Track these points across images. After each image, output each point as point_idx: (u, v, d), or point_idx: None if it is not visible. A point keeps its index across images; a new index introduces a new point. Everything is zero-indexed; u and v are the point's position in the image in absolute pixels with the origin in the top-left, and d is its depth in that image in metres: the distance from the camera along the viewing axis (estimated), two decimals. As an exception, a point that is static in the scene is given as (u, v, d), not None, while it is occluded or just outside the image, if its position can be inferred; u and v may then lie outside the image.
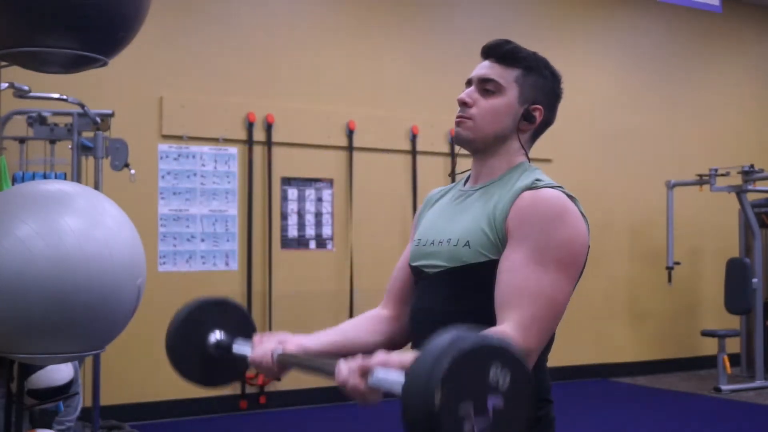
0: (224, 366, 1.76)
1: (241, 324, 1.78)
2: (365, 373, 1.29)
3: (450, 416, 1.07)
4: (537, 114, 1.62)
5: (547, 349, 1.59)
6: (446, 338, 1.12)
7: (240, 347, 1.69)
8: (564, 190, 1.53)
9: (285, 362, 1.58)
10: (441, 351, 1.10)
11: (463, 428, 1.08)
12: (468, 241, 1.53)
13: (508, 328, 1.41)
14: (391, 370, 1.27)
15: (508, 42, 1.63)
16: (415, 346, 1.66)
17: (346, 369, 1.32)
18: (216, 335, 1.74)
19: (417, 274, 1.66)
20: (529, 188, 1.51)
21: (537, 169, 1.60)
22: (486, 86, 1.60)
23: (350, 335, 1.69)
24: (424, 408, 1.07)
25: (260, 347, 1.61)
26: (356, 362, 1.31)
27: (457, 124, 1.62)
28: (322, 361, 1.50)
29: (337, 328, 1.71)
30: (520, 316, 1.41)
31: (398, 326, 1.72)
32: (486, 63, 1.64)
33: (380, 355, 1.31)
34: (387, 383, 1.26)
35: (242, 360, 1.66)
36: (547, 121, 1.66)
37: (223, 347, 1.72)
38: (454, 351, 1.10)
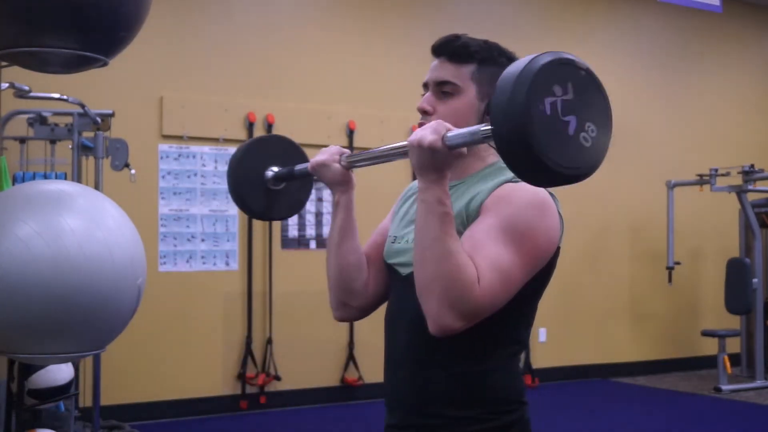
0: (284, 197, 1.85)
1: (296, 156, 1.85)
2: (443, 127, 1.37)
3: (541, 87, 1.17)
4: None
5: (519, 351, 1.57)
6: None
7: (301, 167, 1.76)
8: (546, 189, 1.51)
9: (353, 160, 1.63)
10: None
11: (547, 94, 1.17)
12: None
13: (479, 278, 1.36)
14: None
15: (457, 37, 1.57)
16: (387, 347, 1.63)
17: (424, 128, 1.39)
18: (272, 170, 1.81)
19: (391, 273, 1.63)
20: (511, 181, 1.48)
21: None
22: (443, 89, 1.56)
23: (357, 243, 1.69)
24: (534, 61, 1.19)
25: (326, 152, 1.64)
26: (432, 124, 1.38)
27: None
28: (390, 147, 1.55)
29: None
30: (480, 268, 1.36)
31: (368, 285, 1.70)
32: (437, 63, 1.59)
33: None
34: (464, 132, 1.35)
35: (306, 175, 1.75)
36: None
37: (282, 177, 1.80)
38: (598, 81, 1.25)
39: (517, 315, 1.50)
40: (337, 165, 1.64)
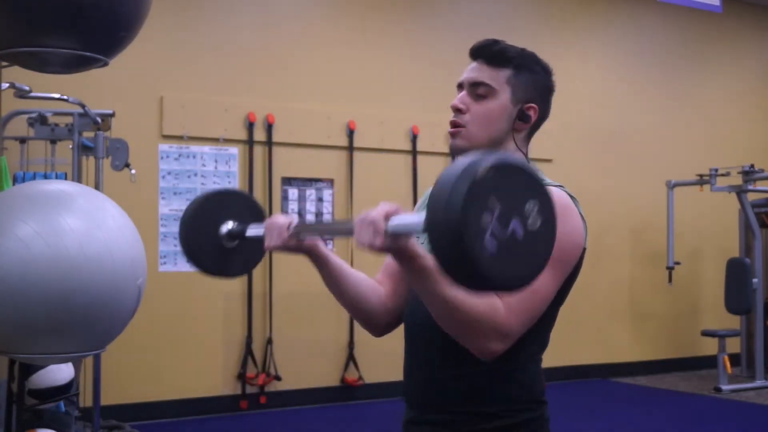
0: (239, 255, 1.77)
1: (254, 214, 1.78)
2: (389, 216, 1.26)
3: (482, 194, 1.08)
4: (532, 112, 1.60)
5: (540, 351, 1.59)
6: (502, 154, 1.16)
7: (254, 230, 1.69)
8: (566, 190, 1.53)
9: (302, 231, 1.56)
10: (489, 155, 1.12)
11: (483, 217, 1.08)
12: None
13: (499, 302, 1.40)
14: (409, 215, 1.26)
15: (496, 42, 1.60)
16: (407, 352, 1.64)
17: (363, 218, 1.27)
18: (228, 225, 1.74)
19: None
20: None
21: (538, 170, 1.59)
22: (477, 90, 1.58)
23: (358, 277, 1.68)
24: (466, 173, 1.08)
25: (276, 222, 1.58)
26: (374, 211, 1.27)
27: (452, 134, 1.59)
28: (337, 223, 1.51)
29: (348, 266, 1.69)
30: (504, 300, 1.40)
31: (392, 304, 1.69)
32: (475, 65, 1.61)
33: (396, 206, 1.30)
34: (406, 223, 1.24)
35: (258, 242, 1.66)
36: (543, 117, 1.63)
37: (235, 235, 1.73)
38: (515, 160, 1.14)
39: (543, 317, 1.51)
40: (290, 244, 1.59)
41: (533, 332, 1.52)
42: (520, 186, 1.13)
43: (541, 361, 1.61)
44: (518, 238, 1.11)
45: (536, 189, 1.14)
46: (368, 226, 1.26)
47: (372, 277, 1.75)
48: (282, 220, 1.57)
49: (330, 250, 1.64)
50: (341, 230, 1.45)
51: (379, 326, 1.71)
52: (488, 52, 1.59)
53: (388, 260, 1.75)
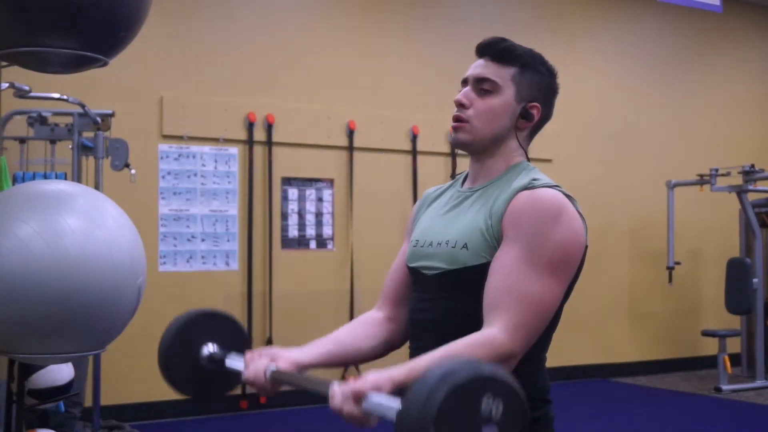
0: (218, 379, 1.71)
1: (235, 337, 1.74)
2: (359, 398, 1.28)
3: None
4: (535, 111, 1.60)
5: (544, 350, 1.59)
6: (438, 372, 1.13)
7: (233, 362, 1.64)
8: (561, 190, 1.52)
9: (278, 380, 1.54)
10: (433, 387, 1.10)
11: None
12: (466, 244, 1.52)
13: (495, 330, 1.41)
14: (384, 395, 1.26)
15: (503, 40, 1.61)
16: (413, 348, 1.65)
17: (340, 394, 1.31)
18: (209, 348, 1.68)
19: (415, 275, 1.65)
20: (526, 188, 1.50)
21: (535, 168, 1.59)
22: (482, 86, 1.59)
23: (346, 342, 1.68)
24: None
25: (253, 365, 1.55)
26: (349, 387, 1.30)
27: (455, 128, 1.60)
28: (315, 381, 1.48)
29: (331, 336, 1.69)
30: (507, 320, 1.41)
31: (394, 327, 1.71)
32: (481, 62, 1.62)
33: (372, 377, 1.30)
34: (382, 409, 1.25)
35: (236, 375, 1.62)
36: (545, 117, 1.64)
37: (216, 361, 1.67)
38: (447, 387, 1.10)
39: None
40: (261, 381, 1.56)
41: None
42: (467, 399, 1.11)
43: (546, 360, 1.61)
44: None
45: (481, 382, 1.13)
46: (348, 418, 1.30)
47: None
48: (259, 370, 1.54)
49: (306, 349, 1.64)
50: (317, 390, 1.44)
51: (390, 350, 1.73)
52: (495, 50, 1.60)
53: (387, 283, 1.76)
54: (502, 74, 1.58)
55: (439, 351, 1.38)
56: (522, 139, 1.62)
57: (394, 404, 1.20)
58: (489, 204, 1.54)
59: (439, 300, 1.53)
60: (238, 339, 1.74)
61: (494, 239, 1.50)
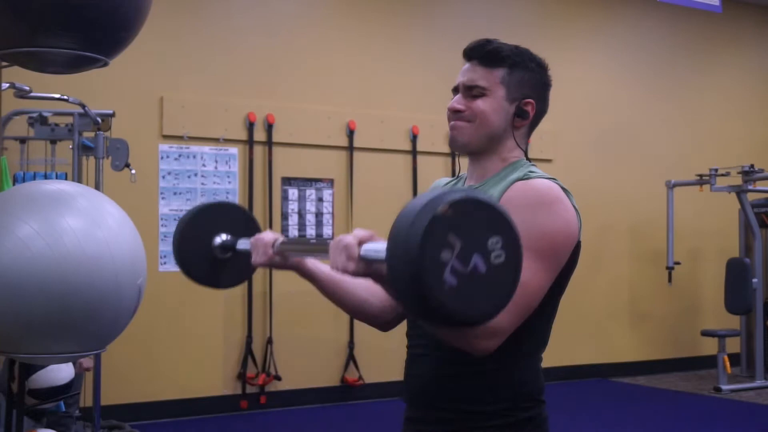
0: (232, 267, 1.79)
1: (248, 226, 1.80)
2: (363, 242, 1.30)
3: (440, 232, 1.08)
4: (529, 109, 1.61)
5: (540, 349, 1.58)
6: (464, 189, 1.14)
7: (244, 244, 1.72)
8: (558, 183, 1.52)
9: (285, 250, 1.59)
10: (467, 189, 1.12)
11: (442, 253, 1.08)
12: None
13: None
14: (381, 242, 1.28)
15: (489, 42, 1.61)
16: (409, 347, 1.65)
17: (341, 242, 1.31)
18: (221, 237, 1.76)
19: None
20: (521, 179, 1.51)
21: (532, 165, 1.60)
22: (473, 92, 1.59)
23: (349, 282, 1.67)
24: (424, 211, 1.09)
25: (263, 235, 1.62)
26: (350, 235, 1.31)
27: (452, 128, 1.61)
28: (317, 242, 1.53)
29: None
30: None
31: (392, 304, 1.70)
32: (468, 66, 1.62)
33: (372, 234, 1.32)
34: (377, 249, 1.27)
35: (247, 255, 1.69)
36: (541, 112, 1.64)
37: (228, 247, 1.75)
38: (480, 195, 1.13)
39: (538, 312, 1.51)
40: (275, 259, 1.61)
41: (532, 330, 1.52)
42: (483, 222, 1.12)
43: (542, 360, 1.61)
44: (481, 273, 1.11)
45: (501, 224, 1.14)
46: (342, 251, 1.29)
47: None
48: (268, 237, 1.60)
49: (319, 263, 1.65)
50: (318, 250, 1.48)
51: (383, 324, 1.73)
52: (481, 53, 1.60)
53: None
54: (490, 78, 1.58)
55: None
56: (519, 137, 1.62)
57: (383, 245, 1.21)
58: None
59: None
60: (250, 227, 1.80)
61: None
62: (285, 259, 1.59)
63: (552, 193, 1.48)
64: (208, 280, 1.79)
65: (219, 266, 1.77)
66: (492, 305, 1.15)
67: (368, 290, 1.69)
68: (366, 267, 1.28)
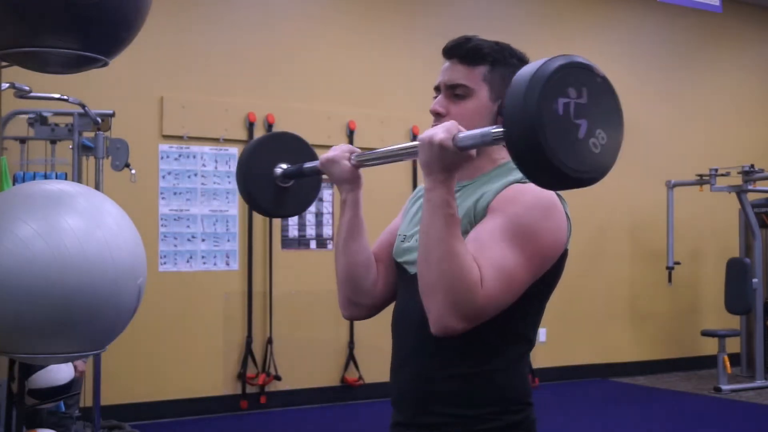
0: (294, 194, 1.85)
1: (306, 153, 1.85)
2: (455, 128, 1.36)
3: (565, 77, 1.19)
4: None
5: (526, 351, 1.57)
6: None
7: (311, 164, 1.76)
8: (555, 191, 1.51)
9: (363, 159, 1.63)
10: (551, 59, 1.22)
11: (568, 93, 1.19)
12: None
13: (481, 277, 1.37)
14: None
15: (468, 39, 1.58)
16: (396, 346, 1.64)
17: (438, 127, 1.37)
18: (281, 167, 1.81)
19: (400, 272, 1.64)
20: (519, 182, 1.49)
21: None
22: (455, 91, 1.56)
23: (365, 243, 1.69)
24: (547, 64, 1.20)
25: (336, 148, 1.66)
26: (445, 124, 1.38)
27: None
28: (401, 146, 1.54)
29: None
30: (483, 270, 1.37)
31: (377, 284, 1.69)
32: (449, 65, 1.59)
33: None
34: (475, 134, 1.34)
35: (312, 180, 1.76)
36: None
37: (291, 174, 1.80)
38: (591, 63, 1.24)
39: (523, 314, 1.50)
40: (346, 162, 1.65)
41: (518, 334, 1.52)
42: (608, 113, 1.23)
43: (529, 365, 1.59)
44: (578, 135, 1.20)
45: (617, 126, 1.25)
46: (442, 130, 1.36)
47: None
48: (343, 150, 1.67)
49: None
50: (406, 152, 1.53)
51: (364, 305, 1.71)
52: (461, 51, 1.57)
53: (381, 239, 1.75)
54: (472, 76, 1.56)
55: (453, 237, 1.38)
56: None
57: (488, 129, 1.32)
58: (474, 198, 1.52)
59: (420, 299, 1.45)
60: (307, 153, 1.85)
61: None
62: (358, 168, 1.66)
63: (548, 198, 1.47)
64: (274, 209, 1.85)
65: (281, 195, 1.83)
66: (594, 167, 1.22)
67: (370, 261, 1.68)
68: (455, 146, 1.35)
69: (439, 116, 1.57)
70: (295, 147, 1.85)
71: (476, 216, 1.49)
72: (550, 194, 1.48)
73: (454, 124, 1.37)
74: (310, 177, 1.81)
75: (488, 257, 1.38)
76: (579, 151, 1.19)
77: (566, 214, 1.50)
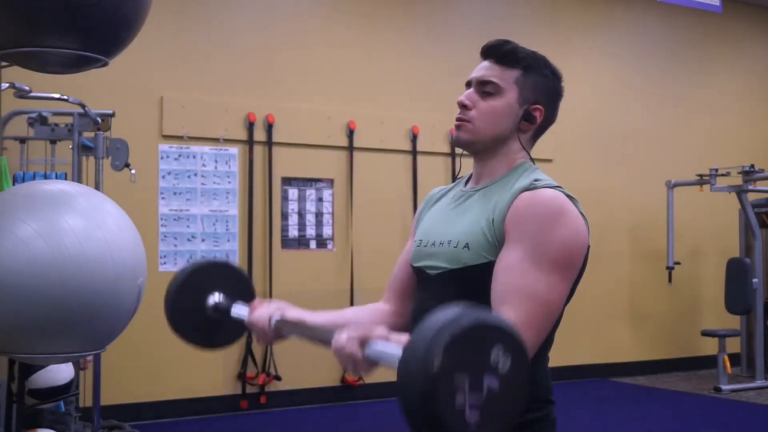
0: (223, 328, 1.76)
1: (241, 288, 1.77)
2: (364, 342, 1.27)
3: (446, 384, 1.04)
4: (537, 114, 1.61)
5: (547, 349, 1.59)
6: (453, 311, 1.10)
7: (238, 310, 1.68)
8: (563, 190, 1.52)
9: (282, 328, 1.58)
10: (446, 322, 1.07)
11: (456, 400, 1.05)
12: (468, 243, 1.53)
13: None
14: (390, 343, 1.25)
15: (507, 42, 1.62)
16: None
17: (345, 336, 1.29)
18: (215, 297, 1.73)
19: (419, 274, 1.66)
20: (528, 189, 1.51)
21: (537, 169, 1.60)
22: (485, 88, 1.60)
23: (350, 321, 1.67)
24: (422, 371, 1.04)
25: (258, 310, 1.61)
26: (357, 331, 1.29)
27: (457, 127, 1.61)
28: (320, 328, 1.49)
29: (338, 311, 1.73)
30: (515, 315, 1.40)
31: (399, 322, 1.71)
32: (485, 64, 1.63)
33: (381, 329, 1.29)
34: (385, 355, 1.24)
35: (240, 323, 1.66)
36: (548, 120, 1.65)
37: (222, 310, 1.71)
38: (461, 323, 1.07)
39: None
40: (264, 326, 1.61)
41: None
42: (480, 341, 1.08)
43: (548, 360, 1.61)
44: (495, 390, 1.08)
45: (495, 332, 1.10)
46: (347, 358, 1.29)
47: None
48: (263, 314, 1.60)
49: (311, 314, 1.67)
50: (321, 340, 1.43)
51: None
52: (499, 52, 1.61)
53: (392, 277, 1.77)
54: (505, 77, 1.59)
55: None
56: (525, 141, 1.63)
57: (397, 351, 1.16)
58: (491, 204, 1.54)
59: (441, 299, 1.52)
60: (245, 290, 1.78)
61: (496, 239, 1.50)
62: (280, 334, 1.61)
63: (558, 203, 1.48)
64: (202, 341, 1.77)
65: (211, 327, 1.74)
66: (513, 410, 1.12)
67: (370, 318, 1.71)
68: (371, 364, 1.28)
69: (464, 108, 1.61)
70: (235, 280, 1.77)
71: (494, 221, 1.51)
72: (560, 198, 1.50)
73: (362, 339, 1.29)
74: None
75: (521, 292, 1.43)
76: (491, 410, 1.08)
77: (581, 212, 1.52)
